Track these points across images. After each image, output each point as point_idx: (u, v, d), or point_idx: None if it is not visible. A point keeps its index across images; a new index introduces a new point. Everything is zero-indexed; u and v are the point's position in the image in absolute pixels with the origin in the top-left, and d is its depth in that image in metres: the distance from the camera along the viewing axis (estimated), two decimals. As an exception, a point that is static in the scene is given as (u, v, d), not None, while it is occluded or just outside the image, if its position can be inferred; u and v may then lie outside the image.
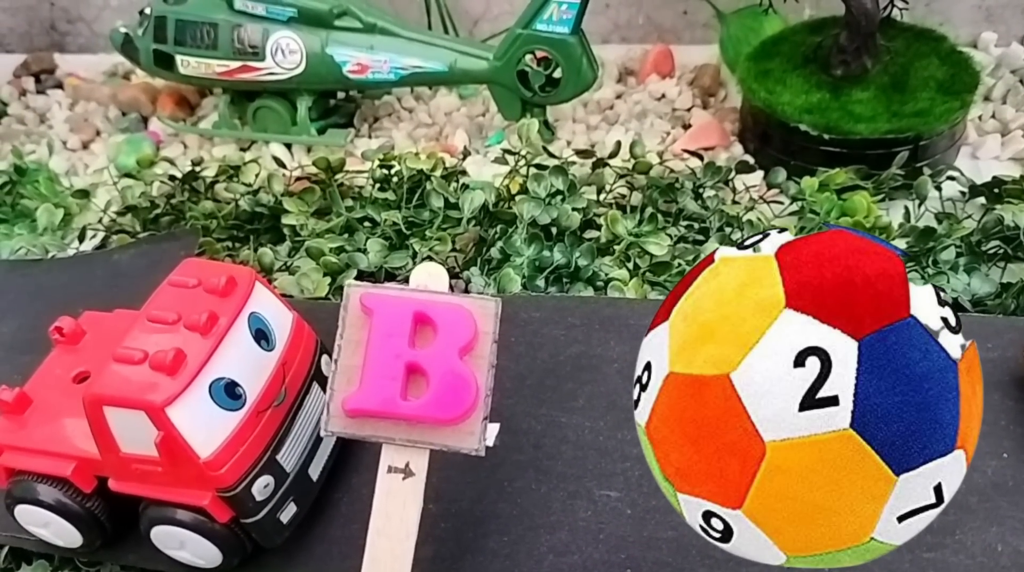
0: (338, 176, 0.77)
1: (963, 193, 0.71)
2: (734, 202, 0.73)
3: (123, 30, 0.86)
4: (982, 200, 0.70)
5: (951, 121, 0.71)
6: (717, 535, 0.35)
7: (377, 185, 0.76)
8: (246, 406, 0.47)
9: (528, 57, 0.79)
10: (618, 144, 0.76)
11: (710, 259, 0.36)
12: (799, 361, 0.30)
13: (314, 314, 0.56)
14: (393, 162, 0.77)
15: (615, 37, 0.97)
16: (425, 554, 0.48)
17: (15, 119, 0.96)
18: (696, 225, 0.70)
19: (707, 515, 0.34)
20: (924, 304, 0.31)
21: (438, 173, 0.75)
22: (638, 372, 0.37)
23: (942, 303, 0.32)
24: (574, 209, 0.69)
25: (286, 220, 0.73)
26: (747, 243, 0.35)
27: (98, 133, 0.93)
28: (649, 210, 0.69)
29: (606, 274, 0.65)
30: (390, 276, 0.67)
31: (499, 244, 0.68)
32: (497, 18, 0.96)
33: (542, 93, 0.80)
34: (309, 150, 0.86)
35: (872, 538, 0.32)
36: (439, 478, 0.50)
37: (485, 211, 0.71)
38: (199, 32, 0.82)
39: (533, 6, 0.76)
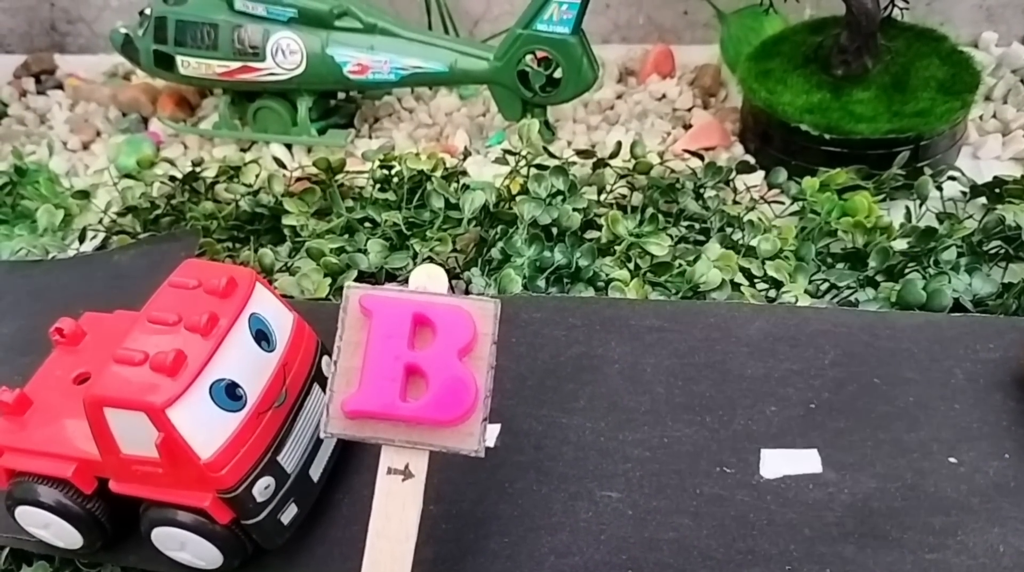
0: (338, 177, 0.77)
1: (964, 193, 0.71)
2: (735, 202, 0.73)
3: (123, 31, 0.86)
4: (983, 200, 0.70)
5: (952, 121, 0.71)
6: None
7: (377, 186, 0.76)
8: (247, 407, 0.47)
9: (528, 57, 0.79)
10: (619, 144, 0.76)
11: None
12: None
13: (315, 315, 0.56)
14: (393, 162, 0.77)
15: (615, 37, 0.97)
16: (426, 555, 0.48)
17: (15, 120, 0.96)
18: (697, 225, 0.70)
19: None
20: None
21: (438, 173, 0.75)
22: None
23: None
24: (575, 209, 0.69)
25: (286, 221, 0.73)
26: None
27: (98, 134, 0.93)
28: (650, 210, 0.69)
29: (607, 275, 0.65)
30: (391, 277, 0.67)
31: (500, 245, 0.67)
32: (497, 18, 0.96)
33: (543, 93, 0.80)
34: (309, 151, 0.86)
35: None
36: (440, 479, 0.50)
37: (486, 211, 0.71)
38: (199, 33, 0.82)
39: (533, 6, 0.76)
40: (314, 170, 0.78)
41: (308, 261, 0.69)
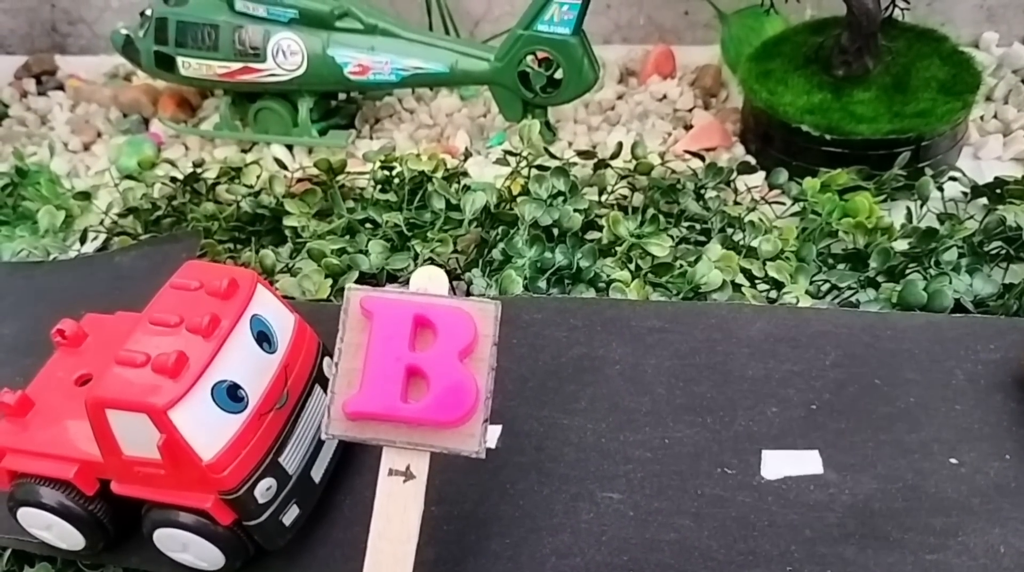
0: (339, 177, 0.77)
1: (965, 194, 0.71)
2: (736, 203, 0.73)
3: (124, 31, 0.86)
4: (984, 201, 0.70)
5: (953, 121, 0.71)
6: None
7: (378, 186, 0.76)
8: (248, 409, 0.47)
9: (529, 58, 0.79)
10: (619, 145, 0.76)
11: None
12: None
13: (316, 316, 0.56)
14: (394, 163, 0.77)
15: (616, 38, 0.97)
16: (427, 556, 0.48)
17: (16, 121, 0.96)
18: (698, 226, 0.70)
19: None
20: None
21: (439, 174, 0.75)
22: None
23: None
24: (576, 210, 0.69)
25: (287, 222, 0.73)
26: None
27: (99, 135, 0.93)
28: (651, 211, 0.69)
29: (608, 275, 0.65)
30: (392, 278, 0.67)
31: (501, 245, 0.68)
32: (498, 19, 0.96)
33: (543, 94, 0.80)
34: (310, 151, 0.86)
35: None
36: (441, 481, 0.50)
37: (487, 212, 0.71)
38: (200, 33, 0.82)
39: (534, 7, 0.76)
40: (315, 171, 0.78)
41: (309, 262, 0.69)
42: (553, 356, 0.59)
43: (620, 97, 0.90)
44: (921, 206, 0.69)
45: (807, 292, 0.63)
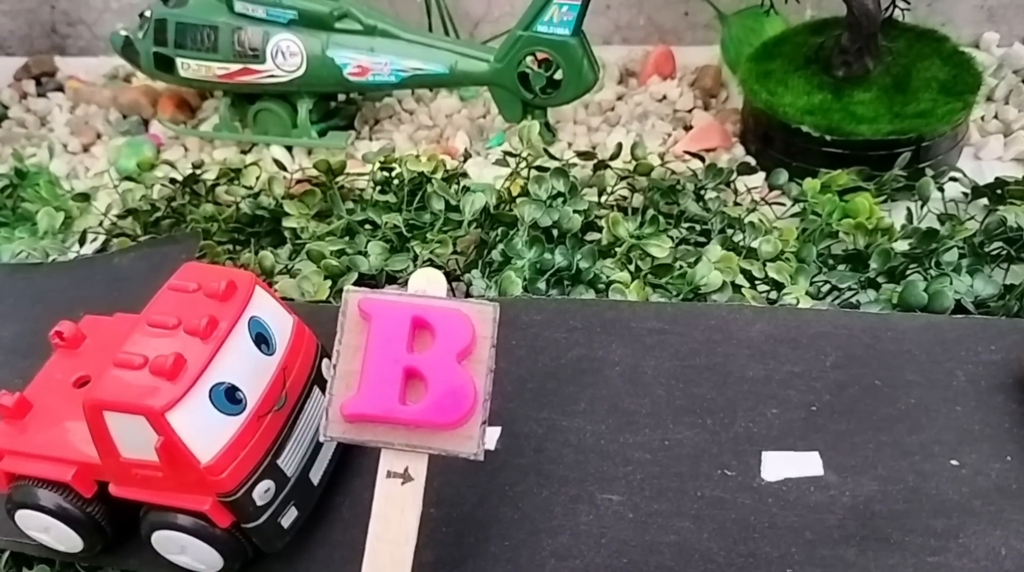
0: (339, 179, 0.77)
1: (966, 194, 0.71)
2: (736, 204, 0.73)
3: (123, 33, 0.86)
4: (985, 201, 0.70)
5: (953, 122, 0.71)
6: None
7: (378, 187, 0.76)
8: (247, 411, 0.47)
9: (529, 59, 0.79)
10: (619, 146, 0.76)
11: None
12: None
13: (315, 317, 0.56)
14: (394, 164, 0.77)
15: (616, 38, 0.97)
16: (426, 558, 0.48)
17: (16, 122, 0.96)
18: (698, 227, 0.70)
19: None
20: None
21: (439, 175, 0.75)
22: None
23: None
24: (575, 211, 0.69)
25: (287, 223, 0.73)
26: None
27: (99, 136, 0.93)
28: (651, 212, 0.69)
29: (608, 276, 0.65)
30: (391, 279, 0.67)
31: (500, 246, 0.67)
32: (498, 20, 0.96)
33: (543, 95, 0.80)
34: (310, 153, 0.86)
35: None
36: (440, 482, 0.50)
37: (486, 213, 0.71)
38: (199, 35, 0.82)
39: (534, 8, 0.76)
40: (314, 172, 0.78)
41: (308, 263, 0.69)
42: (552, 357, 0.59)
43: (620, 98, 0.90)
44: (922, 207, 0.69)
45: (807, 293, 0.63)
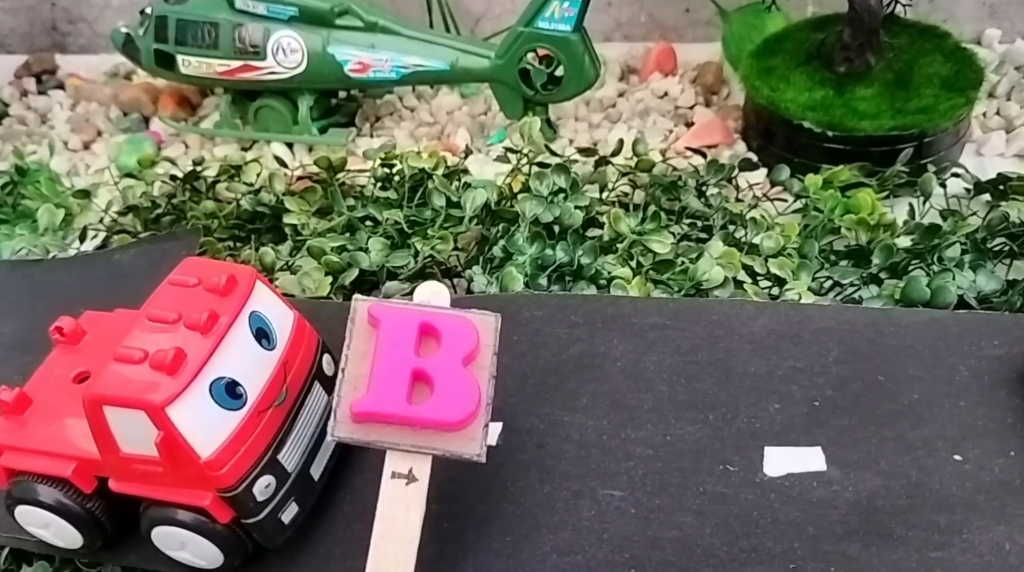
0: (340, 175, 0.77)
1: (968, 190, 0.71)
2: (737, 200, 0.73)
3: (124, 30, 0.86)
4: (987, 197, 0.70)
5: (955, 118, 0.71)
6: None
7: (379, 184, 0.76)
8: (247, 406, 0.47)
9: (530, 55, 0.79)
10: (620, 142, 0.76)
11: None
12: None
13: (316, 313, 0.56)
14: (395, 161, 0.77)
15: (617, 35, 0.97)
16: (428, 554, 0.48)
17: (16, 120, 0.96)
18: (699, 223, 0.69)
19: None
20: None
21: (440, 172, 0.75)
22: None
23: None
24: (576, 207, 0.69)
25: (287, 219, 0.73)
26: None
27: (99, 133, 0.93)
28: (652, 208, 0.69)
29: (609, 272, 0.65)
30: (392, 275, 0.67)
31: (501, 243, 0.67)
32: (499, 16, 0.96)
33: (544, 91, 0.80)
34: (310, 149, 0.86)
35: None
36: (442, 478, 0.50)
37: (487, 210, 0.71)
38: (200, 32, 0.82)
39: (535, 4, 0.76)
40: (315, 169, 0.77)
41: (309, 260, 0.69)
42: (554, 353, 0.59)
43: (621, 94, 0.90)
44: (924, 202, 0.69)
45: (809, 289, 0.62)
